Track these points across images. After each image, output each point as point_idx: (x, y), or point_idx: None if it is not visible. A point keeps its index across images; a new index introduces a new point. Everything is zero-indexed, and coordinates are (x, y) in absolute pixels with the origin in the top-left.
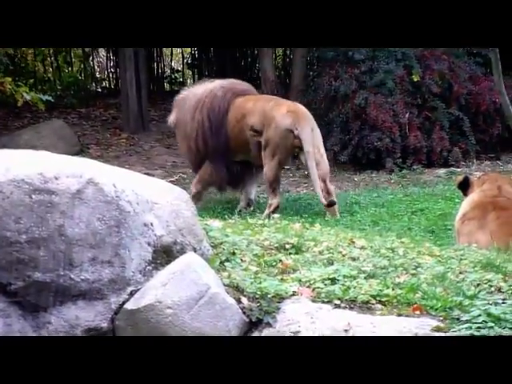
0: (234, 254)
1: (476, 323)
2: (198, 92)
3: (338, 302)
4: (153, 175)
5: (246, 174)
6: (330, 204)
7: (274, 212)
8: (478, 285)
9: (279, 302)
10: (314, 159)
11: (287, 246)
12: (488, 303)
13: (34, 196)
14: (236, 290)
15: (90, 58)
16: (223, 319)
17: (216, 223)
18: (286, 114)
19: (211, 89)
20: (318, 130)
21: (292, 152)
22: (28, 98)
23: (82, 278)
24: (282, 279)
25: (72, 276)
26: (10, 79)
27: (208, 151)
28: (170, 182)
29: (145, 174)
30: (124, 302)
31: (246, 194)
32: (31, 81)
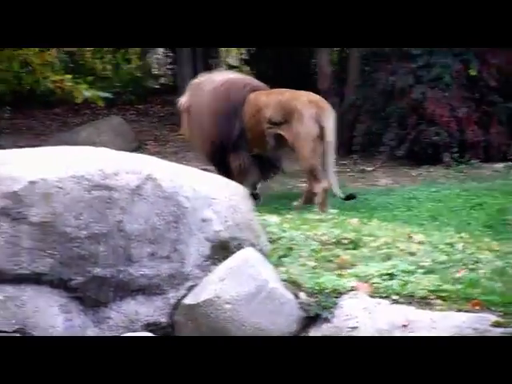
0: (291, 249)
1: None
2: (216, 79)
3: (396, 297)
4: (210, 171)
5: (260, 168)
6: (350, 197)
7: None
8: None
9: (337, 298)
10: (334, 150)
11: (345, 241)
12: None
13: (93, 192)
14: (294, 285)
15: (148, 55)
16: (281, 314)
17: (273, 218)
18: (308, 104)
19: (228, 79)
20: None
21: (319, 141)
22: (87, 95)
23: (141, 273)
24: (339, 274)
25: (131, 271)
26: (69, 77)
27: (223, 141)
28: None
29: (202, 169)
30: (183, 297)
31: (253, 188)
32: (90, 78)
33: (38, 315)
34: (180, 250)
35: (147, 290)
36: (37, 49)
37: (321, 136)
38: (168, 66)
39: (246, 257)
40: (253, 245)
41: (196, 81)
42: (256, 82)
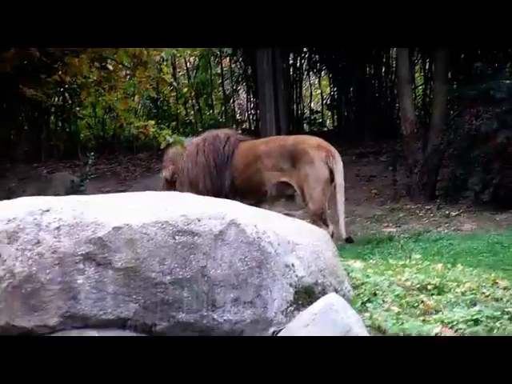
0: (375, 294)
1: None
2: (193, 141)
3: None
4: (293, 216)
5: None
6: (349, 240)
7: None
8: None
9: None
10: (343, 192)
11: (429, 287)
12: None
13: (177, 237)
14: (378, 330)
15: (231, 101)
16: None
17: (357, 264)
18: (318, 147)
19: (207, 135)
20: None
21: (329, 183)
22: (170, 140)
23: (225, 318)
24: (424, 320)
25: (215, 317)
26: (153, 122)
27: (216, 193)
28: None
29: (285, 214)
30: None
31: None
32: (173, 123)
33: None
34: (263, 296)
35: (231, 335)
36: (120, 95)
37: (330, 179)
38: (251, 111)
39: (329, 302)
40: (336, 290)
41: (172, 150)
42: (237, 134)
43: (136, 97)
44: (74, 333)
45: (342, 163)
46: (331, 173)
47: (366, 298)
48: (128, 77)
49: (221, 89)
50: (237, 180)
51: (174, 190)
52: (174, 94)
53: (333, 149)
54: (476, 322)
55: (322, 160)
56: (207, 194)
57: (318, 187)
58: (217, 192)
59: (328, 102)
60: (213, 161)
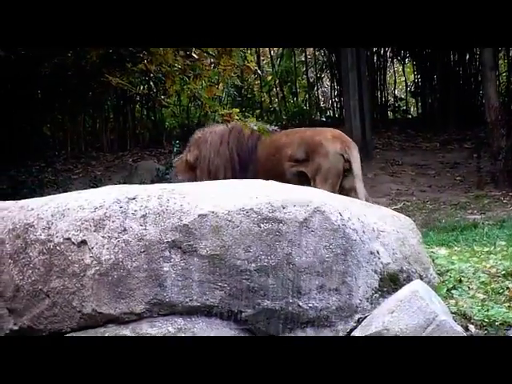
0: (460, 281)
1: None
2: (218, 130)
3: None
4: (377, 203)
5: None
6: None
7: None
8: None
9: (507, 330)
10: (362, 182)
11: None
12: None
13: (262, 225)
14: (463, 317)
15: (315, 88)
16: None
17: (442, 251)
18: (333, 139)
19: (233, 127)
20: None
21: (342, 176)
22: (254, 128)
23: (310, 305)
24: (509, 306)
25: (300, 304)
26: (237, 110)
27: None
28: (395, 209)
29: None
30: (352, 330)
31: None
32: (257, 111)
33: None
34: (348, 283)
35: (316, 322)
36: (205, 83)
37: (345, 171)
38: (335, 99)
39: (414, 289)
40: (421, 277)
41: (197, 135)
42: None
43: (220, 85)
44: (160, 320)
45: (358, 154)
46: (347, 163)
47: (451, 285)
48: (213, 65)
49: (305, 76)
50: (259, 172)
51: (193, 176)
52: (258, 81)
53: (349, 140)
54: None
55: (337, 152)
56: None
57: (328, 179)
58: None
59: (412, 89)
60: (236, 154)
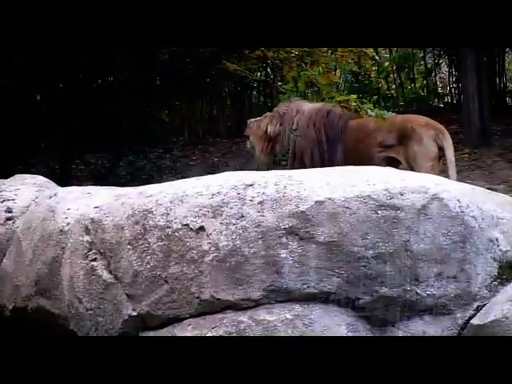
0: None
1: None
2: (305, 111)
3: None
4: (495, 190)
5: None
6: None
7: None
8: None
9: None
10: (455, 169)
11: None
12: None
13: (379, 212)
14: None
15: (433, 74)
16: None
17: None
18: (426, 126)
19: (320, 107)
20: None
21: (438, 162)
22: (372, 114)
23: (428, 293)
24: None
25: (418, 291)
26: (354, 96)
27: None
28: None
29: (487, 188)
30: (470, 318)
31: None
32: (374, 97)
33: (327, 334)
34: (467, 270)
35: (434, 310)
36: (322, 69)
37: (439, 157)
38: (452, 85)
39: None
40: None
41: (282, 110)
42: (346, 111)
43: (337, 71)
44: (278, 306)
45: (451, 140)
46: (441, 150)
47: None
48: (330, 51)
49: (422, 62)
50: (347, 155)
51: (268, 147)
52: (375, 68)
53: (441, 127)
54: None
55: (431, 138)
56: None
57: (426, 164)
58: (325, 166)
59: None
60: (325, 135)
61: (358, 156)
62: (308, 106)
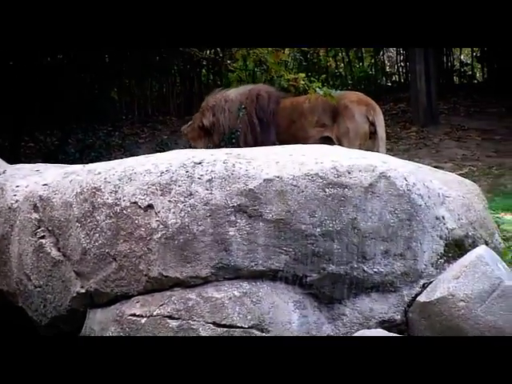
0: None
1: None
2: (233, 97)
3: None
4: (442, 168)
5: None
6: None
7: None
8: None
9: None
10: (385, 145)
11: None
12: None
13: (327, 190)
14: None
15: (381, 53)
16: None
17: (508, 216)
18: (358, 102)
19: (249, 91)
20: None
21: (367, 138)
22: (320, 92)
23: (375, 270)
24: None
25: (365, 268)
26: (303, 75)
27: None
28: (460, 174)
29: (434, 167)
30: (417, 295)
31: None
32: (323, 76)
33: (274, 311)
34: (413, 248)
35: (381, 287)
36: (271, 48)
37: (370, 133)
38: (400, 64)
39: (480, 255)
40: (487, 243)
41: (212, 100)
42: (276, 91)
43: (286, 50)
44: (226, 284)
45: (382, 116)
46: (373, 126)
47: None
48: None
49: None
50: (281, 136)
51: (208, 142)
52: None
53: (373, 102)
54: None
55: (363, 114)
56: None
57: (356, 142)
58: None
59: (478, 55)
60: (256, 118)
61: (293, 137)
62: (235, 93)
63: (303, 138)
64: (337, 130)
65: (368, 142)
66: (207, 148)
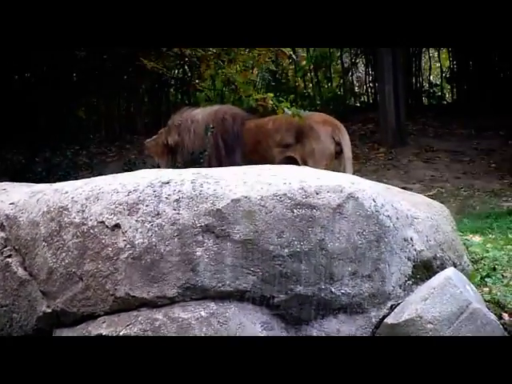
0: (494, 269)
1: None
2: (200, 118)
3: None
4: (411, 189)
5: None
6: None
7: None
8: None
9: None
10: (352, 166)
11: None
12: None
13: (295, 210)
14: (497, 305)
15: (350, 73)
16: (484, 335)
17: (476, 238)
18: (323, 123)
19: (215, 113)
20: None
21: (333, 159)
22: (289, 112)
23: (343, 291)
24: None
25: (333, 290)
26: (271, 95)
27: None
28: (428, 196)
29: (402, 188)
30: (384, 317)
31: None
32: (292, 96)
33: (242, 332)
34: (381, 269)
35: (349, 308)
36: (239, 68)
37: (336, 154)
38: (369, 84)
39: (448, 277)
40: (455, 265)
41: (177, 120)
42: (242, 111)
43: (255, 69)
44: (193, 304)
45: (348, 136)
46: (339, 146)
47: (485, 273)
48: (247, 50)
49: (339, 61)
50: (247, 157)
51: (172, 160)
52: (292, 66)
53: (339, 123)
54: None
55: (328, 134)
56: None
57: (322, 162)
58: None
59: (447, 76)
60: (222, 140)
61: (258, 158)
62: (202, 114)
63: (269, 158)
64: (302, 150)
65: (334, 162)
66: (169, 166)
